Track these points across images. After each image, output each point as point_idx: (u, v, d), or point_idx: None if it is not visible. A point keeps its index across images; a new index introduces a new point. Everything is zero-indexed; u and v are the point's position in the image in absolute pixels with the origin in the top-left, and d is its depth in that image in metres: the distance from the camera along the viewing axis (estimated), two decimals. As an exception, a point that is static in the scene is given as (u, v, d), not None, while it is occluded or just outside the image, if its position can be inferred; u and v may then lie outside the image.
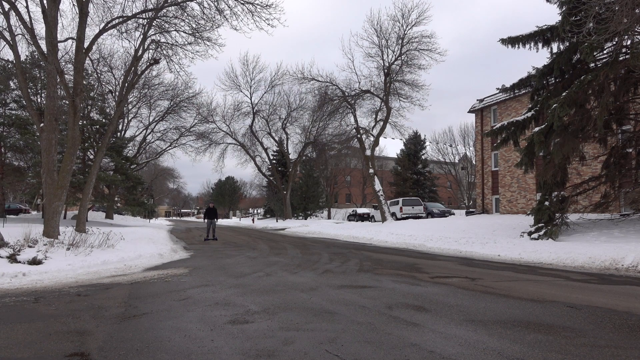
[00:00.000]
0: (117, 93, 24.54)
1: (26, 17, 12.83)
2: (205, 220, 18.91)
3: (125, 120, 36.86)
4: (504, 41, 15.09)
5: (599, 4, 10.22)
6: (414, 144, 48.25)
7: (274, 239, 19.65)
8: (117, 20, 14.87)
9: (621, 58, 12.09)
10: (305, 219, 44.98)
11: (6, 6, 12.62)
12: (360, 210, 41.72)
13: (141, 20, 15.64)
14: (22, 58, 17.09)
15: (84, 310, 5.00)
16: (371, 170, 28.76)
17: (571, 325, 4.22)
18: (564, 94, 12.41)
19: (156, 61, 16.97)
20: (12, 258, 8.35)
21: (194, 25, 15.59)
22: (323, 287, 6.47)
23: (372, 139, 29.82)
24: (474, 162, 43.08)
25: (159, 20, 15.32)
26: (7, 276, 7.40)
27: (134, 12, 15.13)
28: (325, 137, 37.93)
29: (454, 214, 34.29)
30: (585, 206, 15.31)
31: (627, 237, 11.77)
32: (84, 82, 18.28)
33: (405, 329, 4.09)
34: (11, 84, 29.27)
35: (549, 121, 12.85)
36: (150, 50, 16.58)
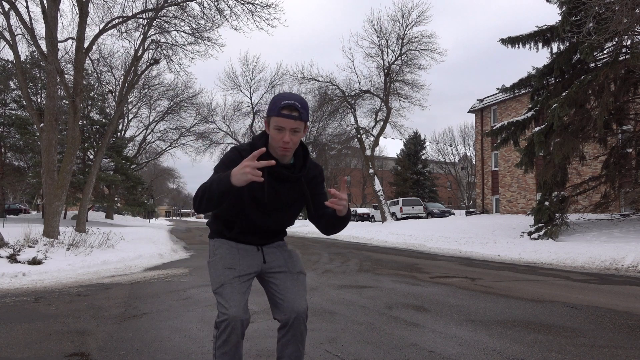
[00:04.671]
0: (117, 93, 24.54)
1: (26, 17, 12.83)
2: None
3: (125, 120, 36.89)
4: (504, 41, 15.10)
5: (599, 4, 10.21)
6: (414, 144, 48.25)
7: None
8: (117, 20, 14.89)
9: (621, 58, 12.09)
10: (305, 219, 44.99)
11: (6, 6, 12.62)
12: (360, 210, 41.72)
13: (141, 20, 15.65)
14: (22, 58, 17.11)
15: (84, 310, 5.00)
16: (371, 170, 28.76)
17: (571, 325, 4.22)
18: (564, 94, 12.41)
19: (156, 61, 16.99)
20: (12, 258, 8.35)
21: (194, 25, 15.62)
22: (323, 287, 6.47)
23: (372, 139, 29.83)
24: (474, 162, 43.08)
25: (159, 20, 15.33)
26: (7, 276, 7.40)
27: (134, 12, 15.15)
28: (325, 137, 37.93)
29: (453, 214, 34.30)
30: (585, 206, 15.31)
31: (627, 237, 11.76)
32: (84, 82, 18.29)
33: (405, 329, 4.09)
34: (11, 84, 29.28)
35: (549, 121, 12.85)
36: (150, 50, 16.60)
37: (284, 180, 2.05)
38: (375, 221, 33.79)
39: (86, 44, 13.54)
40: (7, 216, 29.55)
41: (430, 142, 52.49)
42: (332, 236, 21.06)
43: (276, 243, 2.27)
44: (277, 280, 2.15)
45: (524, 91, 17.12)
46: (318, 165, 2.25)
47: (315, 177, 2.19)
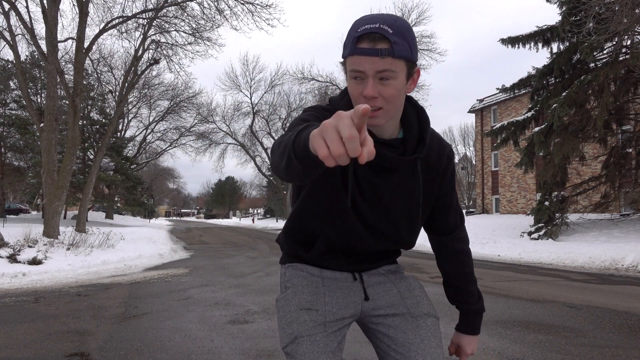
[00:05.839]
0: (117, 93, 24.56)
1: (26, 17, 12.84)
2: None
3: (125, 120, 36.89)
4: (504, 41, 15.10)
5: (599, 4, 10.22)
6: (414, 144, 48.25)
7: (275, 239, 19.64)
8: (117, 20, 14.90)
9: (621, 58, 12.10)
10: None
11: (6, 6, 12.63)
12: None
13: (141, 20, 15.66)
14: (22, 58, 17.11)
15: (84, 310, 5.00)
16: (371, 170, 28.79)
17: (571, 325, 4.22)
18: (564, 94, 12.41)
19: (156, 61, 17.00)
20: (12, 258, 8.35)
21: (194, 25, 15.64)
22: (323, 287, 6.46)
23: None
24: (474, 162, 43.08)
25: (159, 20, 15.34)
26: (7, 276, 7.40)
27: (134, 12, 15.17)
28: (325, 137, 37.91)
29: (454, 214, 34.29)
30: (585, 206, 15.31)
31: (627, 237, 11.77)
32: (84, 82, 18.29)
33: (405, 329, 4.09)
34: (11, 84, 29.28)
35: (549, 121, 12.86)
36: (150, 50, 16.61)
37: (386, 167, 1.13)
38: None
39: (86, 44, 13.55)
40: (7, 216, 29.55)
41: (430, 142, 52.52)
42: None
43: (385, 267, 1.34)
44: (391, 330, 1.24)
45: (524, 91, 17.11)
46: (445, 143, 1.26)
47: (441, 164, 1.23)
